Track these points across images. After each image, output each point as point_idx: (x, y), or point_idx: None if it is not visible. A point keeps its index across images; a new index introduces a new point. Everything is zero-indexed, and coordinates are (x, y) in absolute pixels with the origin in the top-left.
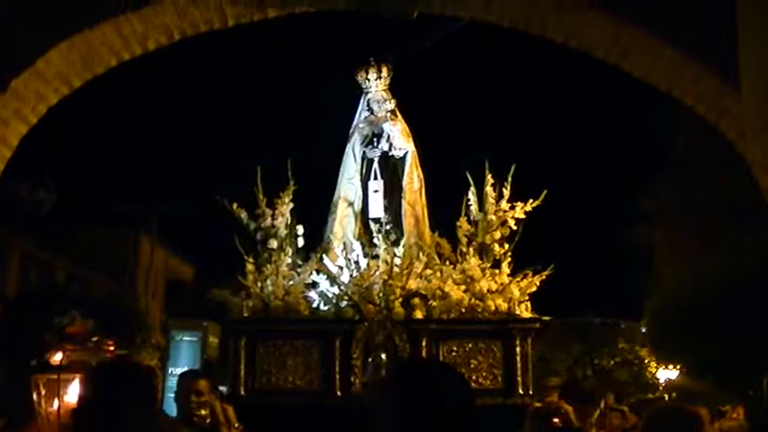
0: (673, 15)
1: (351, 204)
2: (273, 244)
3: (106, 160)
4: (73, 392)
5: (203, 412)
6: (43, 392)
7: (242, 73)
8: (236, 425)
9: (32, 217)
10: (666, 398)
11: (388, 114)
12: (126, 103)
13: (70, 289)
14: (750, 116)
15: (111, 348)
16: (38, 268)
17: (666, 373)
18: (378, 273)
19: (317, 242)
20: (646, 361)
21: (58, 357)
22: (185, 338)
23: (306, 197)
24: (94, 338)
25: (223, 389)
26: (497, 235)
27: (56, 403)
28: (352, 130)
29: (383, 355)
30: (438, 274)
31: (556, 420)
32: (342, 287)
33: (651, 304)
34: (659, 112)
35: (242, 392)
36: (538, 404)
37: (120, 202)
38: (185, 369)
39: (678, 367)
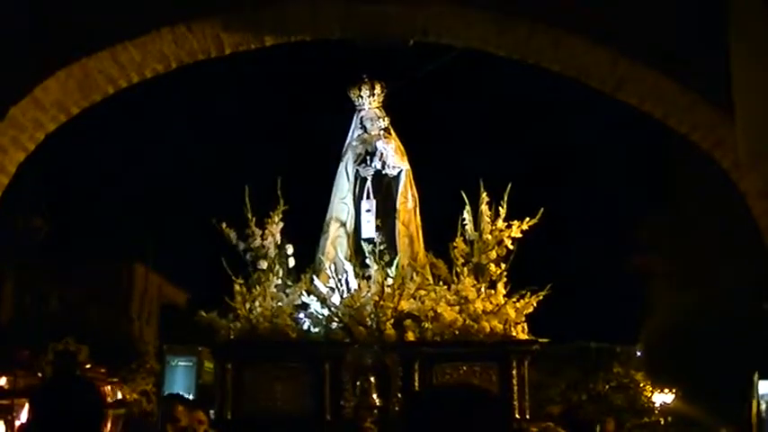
0: (667, 46)
1: (343, 224)
2: (263, 265)
3: (101, 187)
4: (24, 417)
5: None
6: None
7: (235, 93)
8: None
9: (27, 244)
10: (662, 422)
11: (382, 132)
12: (119, 129)
13: (65, 316)
14: (744, 146)
15: (103, 375)
16: (32, 295)
17: (662, 397)
18: (369, 294)
19: (308, 263)
20: (641, 385)
21: (2, 382)
22: (180, 363)
23: (298, 217)
24: (87, 366)
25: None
26: (493, 254)
27: (2, 428)
28: (345, 149)
29: (372, 379)
30: (431, 294)
31: None
32: (332, 309)
33: (646, 330)
34: (659, 142)
35: (228, 417)
36: (534, 429)
37: (114, 229)
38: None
39: (673, 391)
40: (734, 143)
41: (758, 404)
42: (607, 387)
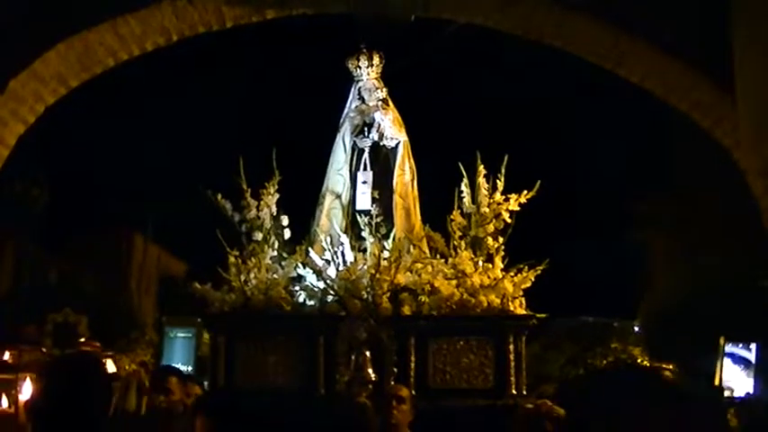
0: (669, 23)
1: (338, 196)
2: (258, 236)
3: (100, 158)
4: (27, 392)
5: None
6: None
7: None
8: None
9: (26, 215)
10: None
11: (380, 103)
12: (118, 99)
13: (63, 286)
14: (745, 124)
15: (98, 348)
16: (31, 266)
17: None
18: (365, 267)
19: (304, 235)
20: (639, 360)
21: (6, 357)
22: (179, 335)
23: (294, 188)
24: (82, 339)
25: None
26: (491, 228)
27: (5, 402)
28: (342, 120)
29: (367, 353)
30: (428, 268)
31: (548, 424)
32: (327, 281)
33: (644, 305)
34: (657, 116)
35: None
36: (529, 405)
37: (113, 200)
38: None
39: (671, 367)
40: (734, 122)
41: (722, 364)
42: (604, 362)
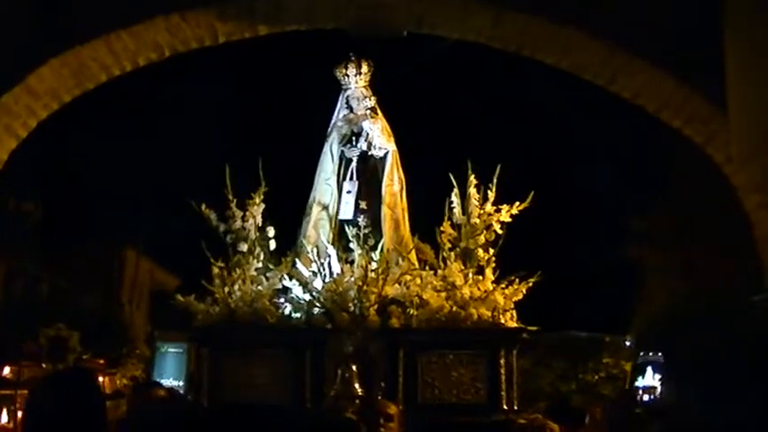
0: (662, 39)
1: (326, 207)
2: (243, 247)
3: (92, 172)
4: None
5: None
6: None
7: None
8: None
9: (18, 229)
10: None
11: (368, 112)
12: (109, 113)
13: (55, 301)
14: (737, 140)
15: (101, 366)
16: (23, 281)
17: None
18: (352, 278)
19: (290, 246)
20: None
21: (6, 372)
22: (170, 350)
23: (280, 198)
24: (85, 356)
25: None
26: (481, 239)
27: (5, 417)
28: (330, 129)
29: (354, 367)
30: (417, 280)
31: None
32: (314, 293)
33: (637, 321)
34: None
35: (205, 404)
36: (522, 421)
37: (105, 214)
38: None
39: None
40: (727, 138)
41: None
42: (596, 377)
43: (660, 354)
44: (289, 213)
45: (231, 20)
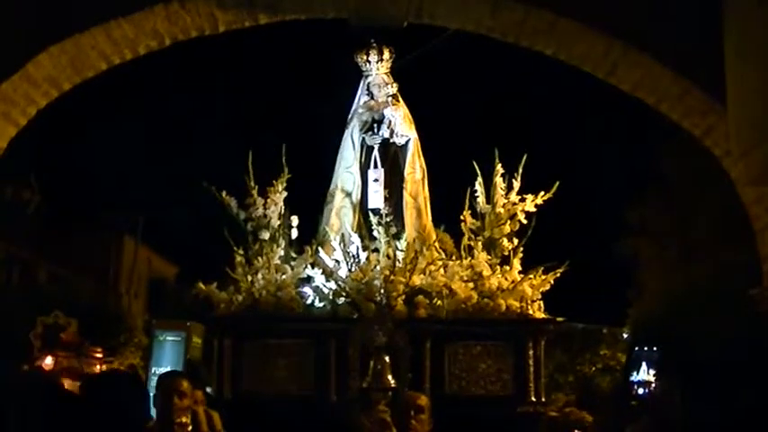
0: (661, 32)
1: (348, 195)
2: (265, 235)
3: (91, 160)
4: None
5: (184, 419)
6: None
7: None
8: None
9: (16, 217)
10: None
11: (390, 99)
12: (112, 101)
13: (53, 289)
14: (735, 133)
15: (99, 355)
16: (20, 269)
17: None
18: (378, 268)
19: (311, 234)
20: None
21: (48, 362)
22: (169, 338)
23: (301, 186)
24: (82, 345)
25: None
26: (507, 229)
27: None
28: (350, 116)
29: (387, 358)
30: (442, 270)
31: None
32: (339, 283)
33: (634, 313)
34: (648, 126)
35: (227, 396)
36: (553, 413)
37: (104, 202)
38: (167, 369)
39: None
40: (725, 131)
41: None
42: (593, 369)
43: (655, 348)
44: (305, 201)
45: (231, 8)
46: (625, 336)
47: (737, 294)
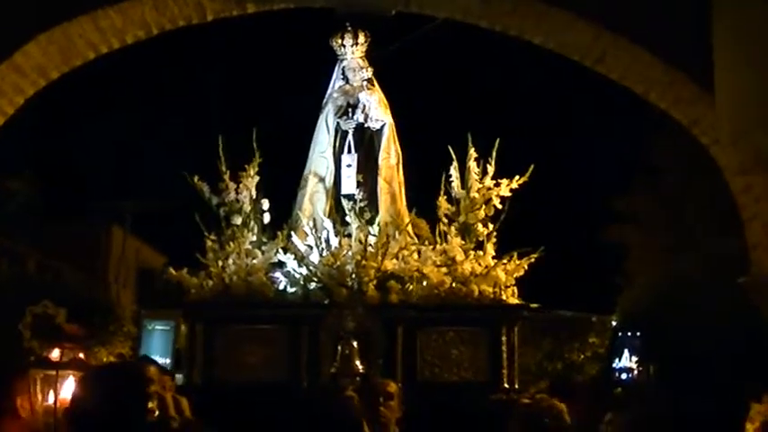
0: (650, 21)
1: (322, 179)
2: (237, 220)
3: (80, 150)
4: (68, 389)
5: (150, 404)
6: (39, 387)
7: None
8: (190, 418)
9: (4, 207)
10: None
11: (365, 83)
12: (97, 91)
13: (42, 278)
14: (724, 122)
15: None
16: (9, 258)
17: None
18: (350, 252)
19: (284, 220)
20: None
21: (55, 354)
22: (157, 327)
23: (274, 171)
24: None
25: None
26: (481, 214)
27: (51, 398)
28: (325, 100)
29: (354, 344)
30: (415, 255)
31: (547, 421)
32: (310, 268)
33: (623, 300)
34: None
35: (198, 382)
36: (526, 400)
37: (92, 192)
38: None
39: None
40: (713, 120)
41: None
42: (582, 357)
43: (638, 334)
44: (281, 187)
45: None
46: (614, 324)
47: (726, 283)
